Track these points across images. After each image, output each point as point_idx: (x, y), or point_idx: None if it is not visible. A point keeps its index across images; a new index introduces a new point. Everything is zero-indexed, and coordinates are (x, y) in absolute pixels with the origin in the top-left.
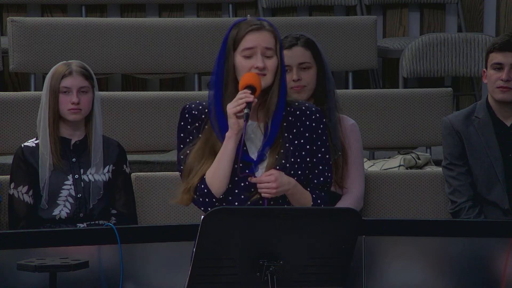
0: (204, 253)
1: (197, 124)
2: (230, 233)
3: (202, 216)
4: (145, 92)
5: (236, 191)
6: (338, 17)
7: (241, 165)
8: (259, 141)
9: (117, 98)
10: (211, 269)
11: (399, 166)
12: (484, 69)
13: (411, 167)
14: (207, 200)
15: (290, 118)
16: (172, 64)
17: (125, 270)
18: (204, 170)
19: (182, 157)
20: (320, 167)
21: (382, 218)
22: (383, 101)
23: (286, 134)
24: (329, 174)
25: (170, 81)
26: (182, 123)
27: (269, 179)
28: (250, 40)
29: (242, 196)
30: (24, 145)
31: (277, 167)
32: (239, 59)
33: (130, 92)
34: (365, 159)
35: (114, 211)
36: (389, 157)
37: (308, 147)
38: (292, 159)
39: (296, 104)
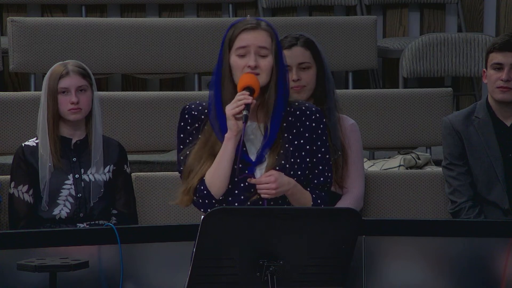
0: (204, 253)
1: (196, 125)
2: (230, 233)
3: (202, 216)
4: (145, 92)
5: (236, 191)
6: (338, 17)
7: (240, 165)
8: (259, 142)
9: (117, 98)
10: (211, 269)
11: (399, 166)
12: (484, 69)
13: (411, 167)
14: (206, 201)
15: (290, 118)
16: (172, 64)
17: (125, 270)
18: (204, 171)
19: (182, 158)
20: (320, 167)
21: (382, 218)
22: (383, 101)
23: (286, 135)
24: (329, 174)
25: (170, 81)
26: (182, 124)
27: (268, 180)
28: (244, 39)
29: (242, 197)
30: (24, 145)
31: (277, 168)
32: (233, 58)
33: (130, 92)
34: (365, 159)
35: (114, 211)
36: (389, 157)
37: (308, 147)
38: (292, 160)
39: (296, 104)
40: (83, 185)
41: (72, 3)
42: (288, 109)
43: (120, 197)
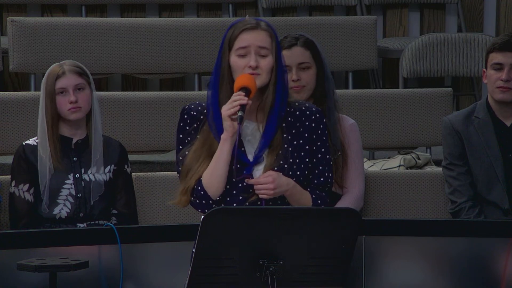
0: (204, 253)
1: (195, 125)
2: (230, 233)
3: (202, 216)
4: (145, 92)
5: (234, 192)
6: (338, 17)
7: (238, 166)
8: (257, 142)
9: (117, 98)
10: (211, 269)
11: (399, 166)
12: (484, 69)
13: (411, 167)
14: (204, 202)
15: (289, 118)
16: (172, 64)
17: (125, 270)
18: (201, 171)
19: (180, 158)
20: (320, 168)
21: (382, 218)
22: (383, 101)
23: (285, 135)
24: (330, 175)
25: (170, 81)
26: (181, 124)
27: (266, 180)
28: (244, 39)
29: (240, 197)
30: (25, 143)
31: (275, 168)
32: (233, 59)
33: (130, 92)
34: (365, 159)
35: (114, 211)
36: (389, 157)
37: (307, 147)
38: (291, 160)
39: (296, 104)
40: (83, 184)
41: (72, 3)
42: (288, 109)
43: (121, 197)
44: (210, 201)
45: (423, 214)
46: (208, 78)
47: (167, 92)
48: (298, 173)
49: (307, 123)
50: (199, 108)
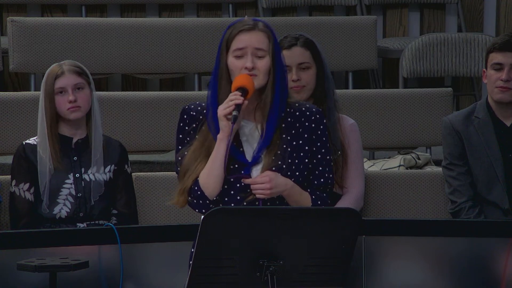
0: (204, 253)
1: (194, 125)
2: (230, 233)
3: (202, 216)
4: (145, 92)
5: (232, 192)
6: (338, 17)
7: (236, 166)
8: (256, 143)
9: (117, 98)
10: (211, 269)
11: (399, 166)
12: (484, 69)
13: (411, 167)
14: (201, 202)
15: (289, 119)
16: (172, 64)
17: (125, 270)
18: (199, 171)
19: (179, 158)
20: (320, 168)
21: (382, 218)
22: (383, 101)
23: (284, 136)
24: (330, 176)
25: (170, 81)
26: (181, 124)
27: (263, 180)
28: (241, 40)
29: (238, 197)
30: (25, 143)
31: (273, 168)
32: (231, 60)
33: (130, 92)
34: (365, 159)
35: (115, 211)
36: (389, 157)
37: (307, 148)
38: (290, 160)
39: (297, 105)
40: (83, 184)
41: (72, 3)
42: (288, 110)
43: (121, 197)
44: (207, 201)
45: (423, 214)
46: (208, 78)
47: (167, 92)
48: (297, 173)
49: (306, 124)
50: (199, 108)
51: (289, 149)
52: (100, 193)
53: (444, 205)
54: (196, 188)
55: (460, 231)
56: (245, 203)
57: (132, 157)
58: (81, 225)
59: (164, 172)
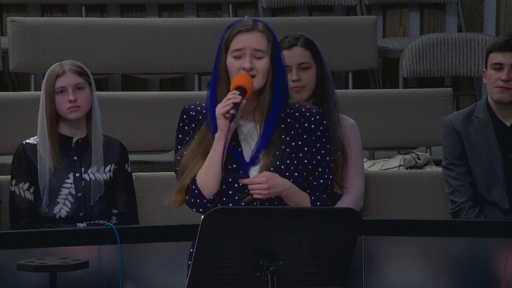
0: (204, 253)
1: (193, 125)
2: (230, 233)
3: (202, 216)
4: (145, 92)
5: (230, 192)
6: (338, 17)
7: (234, 166)
8: (255, 143)
9: (117, 98)
10: (211, 269)
11: (399, 166)
12: (484, 69)
13: (411, 167)
14: (198, 201)
15: (289, 119)
16: (172, 64)
17: (125, 270)
18: (196, 170)
19: (178, 157)
20: (320, 169)
21: (382, 218)
22: (383, 101)
23: (283, 136)
24: (330, 177)
25: (170, 81)
26: (180, 124)
27: (260, 180)
28: (240, 41)
29: (236, 197)
30: (25, 142)
31: (271, 169)
32: (229, 60)
33: (130, 92)
34: (365, 159)
35: (115, 211)
36: (389, 157)
37: (306, 148)
38: (288, 161)
39: (297, 105)
40: (83, 184)
41: (72, 3)
42: (288, 110)
43: (121, 196)
44: (205, 200)
45: (423, 214)
46: (208, 78)
47: (167, 92)
48: (295, 174)
49: (306, 125)
50: (199, 108)
51: (288, 150)
52: (100, 193)
53: (444, 205)
54: (193, 187)
55: (460, 231)
56: (243, 203)
57: (132, 157)
58: (81, 225)
59: (164, 172)
